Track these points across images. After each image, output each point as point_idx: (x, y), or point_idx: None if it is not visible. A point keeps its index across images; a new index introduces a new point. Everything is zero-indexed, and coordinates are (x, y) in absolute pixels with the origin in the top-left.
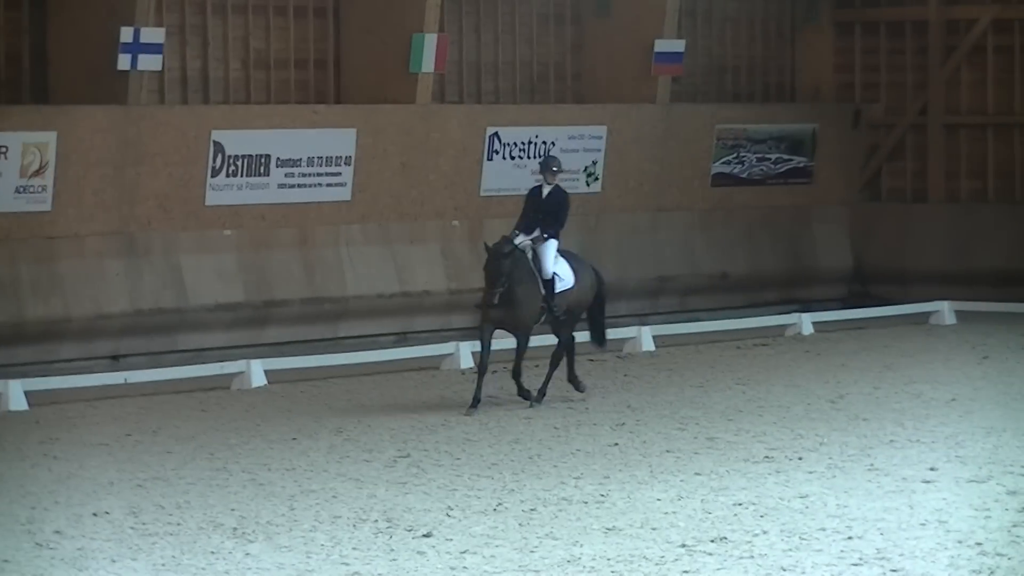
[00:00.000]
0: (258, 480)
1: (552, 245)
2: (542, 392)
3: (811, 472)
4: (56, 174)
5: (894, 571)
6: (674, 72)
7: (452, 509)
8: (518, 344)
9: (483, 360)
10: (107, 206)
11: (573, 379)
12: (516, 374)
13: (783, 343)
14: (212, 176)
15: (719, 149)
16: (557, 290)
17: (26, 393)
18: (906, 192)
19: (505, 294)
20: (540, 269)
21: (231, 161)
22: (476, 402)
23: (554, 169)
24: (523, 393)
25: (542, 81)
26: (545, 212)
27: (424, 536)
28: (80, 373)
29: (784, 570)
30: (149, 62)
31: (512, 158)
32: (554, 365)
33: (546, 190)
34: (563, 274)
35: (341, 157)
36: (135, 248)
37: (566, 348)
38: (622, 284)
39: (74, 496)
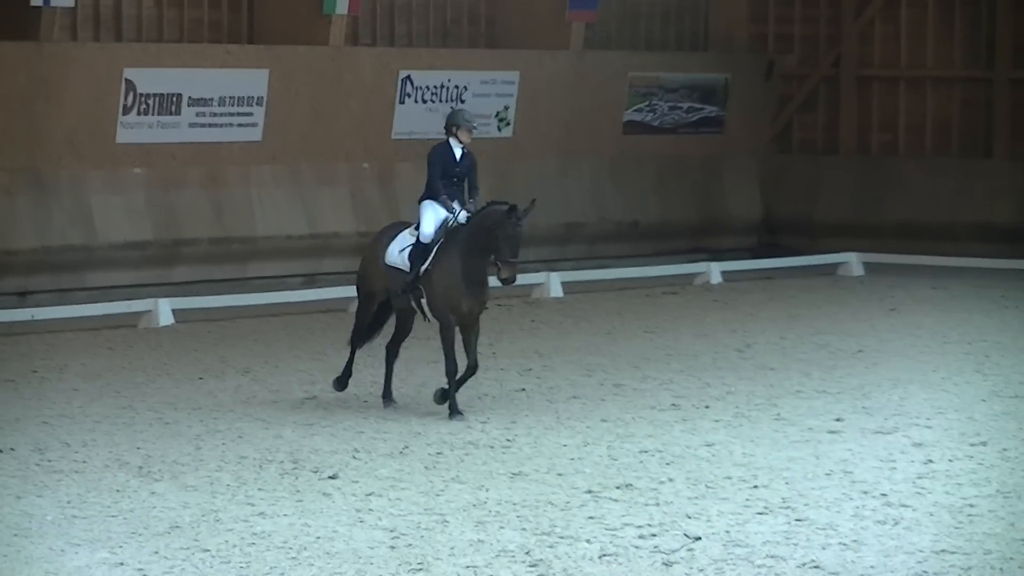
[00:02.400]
0: (164, 419)
1: None
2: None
3: (717, 421)
4: None
5: (799, 520)
6: (588, 19)
7: (358, 451)
8: (475, 336)
9: (456, 362)
10: (16, 142)
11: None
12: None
13: (692, 292)
14: (123, 114)
15: (631, 97)
16: None
17: None
18: (817, 144)
19: (480, 277)
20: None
21: (142, 99)
22: (459, 413)
23: (474, 127)
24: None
25: (455, 25)
26: (461, 178)
27: (330, 478)
28: None
29: (689, 518)
30: None
31: (424, 102)
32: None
33: (459, 151)
34: None
35: (253, 98)
36: (44, 185)
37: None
38: (531, 230)
39: None
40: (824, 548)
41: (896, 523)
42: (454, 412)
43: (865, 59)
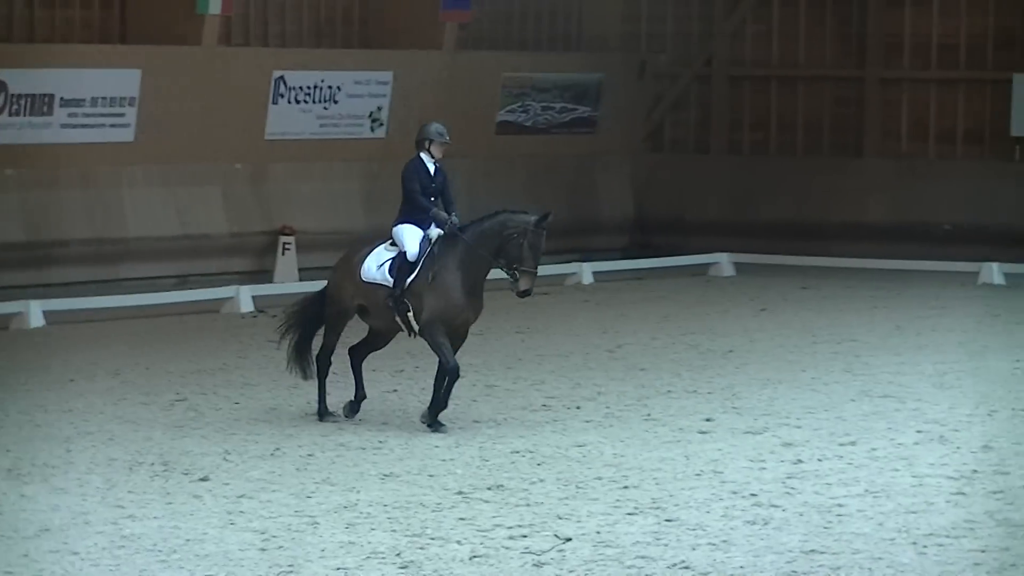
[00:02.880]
0: (34, 421)
1: None
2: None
3: (588, 421)
4: None
5: (668, 520)
6: (462, 19)
7: (229, 453)
8: (453, 353)
9: (457, 364)
10: None
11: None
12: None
13: (563, 292)
14: None
15: (505, 97)
16: None
17: None
18: (689, 143)
19: (480, 287)
20: None
21: (14, 100)
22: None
23: (446, 140)
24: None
25: (329, 25)
26: (436, 194)
27: (201, 480)
28: None
29: (560, 518)
30: None
31: (298, 102)
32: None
33: (432, 166)
34: None
35: (125, 98)
36: None
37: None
38: None
39: None
40: (694, 548)
41: (765, 523)
42: (436, 423)
43: (737, 58)
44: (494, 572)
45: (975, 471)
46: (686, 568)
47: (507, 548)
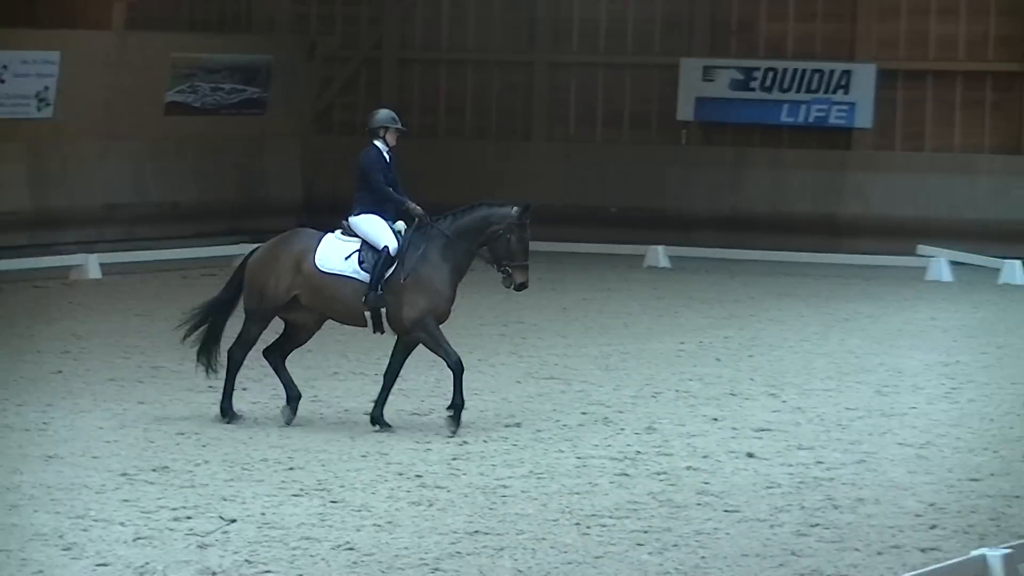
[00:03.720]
0: None
1: None
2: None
3: (255, 403)
4: None
5: (334, 502)
6: None
7: None
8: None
9: (457, 354)
10: None
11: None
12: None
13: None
14: None
15: (173, 78)
16: None
17: None
18: (358, 125)
19: (456, 283)
20: None
21: None
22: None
23: (400, 127)
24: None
25: None
26: (393, 183)
27: None
28: None
29: (225, 500)
30: None
31: None
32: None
33: (387, 155)
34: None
35: None
36: None
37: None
38: (70, 212)
39: None
40: (358, 529)
41: (430, 504)
42: (456, 418)
43: (407, 41)
44: (158, 554)
45: (639, 452)
46: (350, 549)
47: (171, 530)
